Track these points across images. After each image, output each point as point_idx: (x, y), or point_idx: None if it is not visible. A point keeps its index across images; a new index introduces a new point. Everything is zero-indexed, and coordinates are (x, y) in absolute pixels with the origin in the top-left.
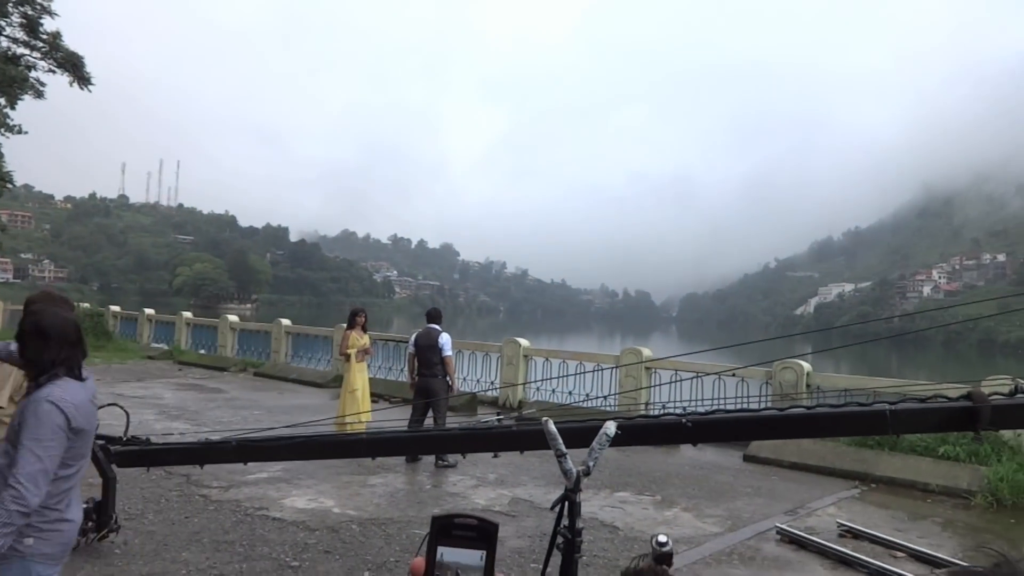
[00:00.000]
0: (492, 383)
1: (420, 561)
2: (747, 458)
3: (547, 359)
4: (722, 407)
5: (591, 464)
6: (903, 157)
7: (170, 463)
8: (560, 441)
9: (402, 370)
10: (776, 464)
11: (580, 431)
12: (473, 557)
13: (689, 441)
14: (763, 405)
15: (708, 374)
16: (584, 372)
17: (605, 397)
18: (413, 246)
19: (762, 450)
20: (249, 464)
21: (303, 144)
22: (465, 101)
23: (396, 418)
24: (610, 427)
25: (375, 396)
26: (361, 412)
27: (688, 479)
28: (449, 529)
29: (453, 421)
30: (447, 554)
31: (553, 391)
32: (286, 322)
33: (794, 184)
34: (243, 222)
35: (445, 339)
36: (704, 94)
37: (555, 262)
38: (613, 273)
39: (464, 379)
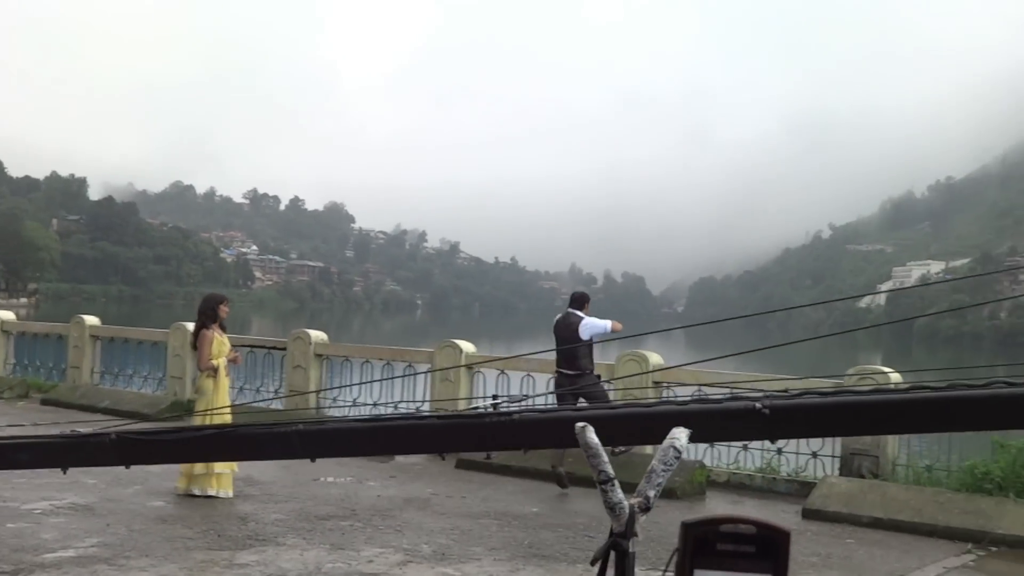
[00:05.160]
0: (419, 410)
1: None
2: (808, 514)
3: (502, 372)
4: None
5: (652, 494)
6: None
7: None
8: (604, 458)
9: (278, 389)
10: (851, 522)
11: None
12: None
13: (764, 436)
14: None
15: (743, 387)
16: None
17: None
18: (283, 207)
19: (830, 502)
20: (48, 538)
21: (105, 45)
22: None
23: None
24: (680, 437)
25: None
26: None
27: None
28: (712, 542)
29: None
30: None
31: None
32: (93, 321)
33: (860, 115)
34: (14, 170)
35: None
36: None
37: (500, 232)
38: (589, 249)
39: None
